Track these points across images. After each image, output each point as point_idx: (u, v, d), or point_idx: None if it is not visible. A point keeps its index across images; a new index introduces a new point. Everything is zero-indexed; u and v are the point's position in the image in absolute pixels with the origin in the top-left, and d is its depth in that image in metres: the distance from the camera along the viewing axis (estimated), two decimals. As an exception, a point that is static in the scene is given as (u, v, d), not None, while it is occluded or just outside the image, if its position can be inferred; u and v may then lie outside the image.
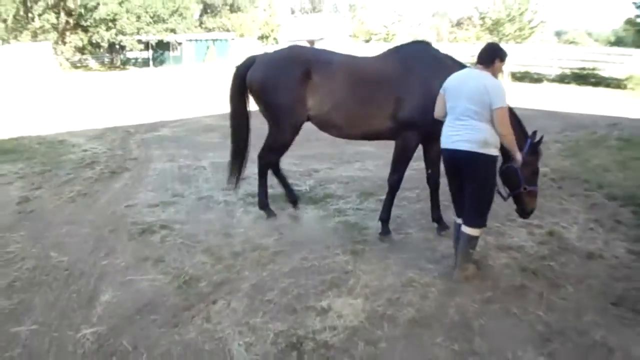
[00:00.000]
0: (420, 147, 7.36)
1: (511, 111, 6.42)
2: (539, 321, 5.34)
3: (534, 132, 6.64)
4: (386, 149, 12.90)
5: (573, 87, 31.23)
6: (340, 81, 7.15)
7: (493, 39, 48.09)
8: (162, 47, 63.00)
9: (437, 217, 7.65)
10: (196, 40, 64.85)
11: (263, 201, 8.09)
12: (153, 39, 59.89)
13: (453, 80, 6.05)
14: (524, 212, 6.72)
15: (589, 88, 30.94)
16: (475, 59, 6.07)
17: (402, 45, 7.69)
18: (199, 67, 54.54)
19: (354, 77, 7.19)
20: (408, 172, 10.10)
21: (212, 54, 62.03)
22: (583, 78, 33.22)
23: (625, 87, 30.73)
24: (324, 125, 7.43)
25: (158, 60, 63.55)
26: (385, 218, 7.40)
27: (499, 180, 6.33)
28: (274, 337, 4.94)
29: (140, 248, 6.93)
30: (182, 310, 5.41)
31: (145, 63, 61.93)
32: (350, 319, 5.24)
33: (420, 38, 62.16)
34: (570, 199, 9.18)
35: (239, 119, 7.97)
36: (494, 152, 5.84)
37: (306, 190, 9.06)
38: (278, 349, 4.78)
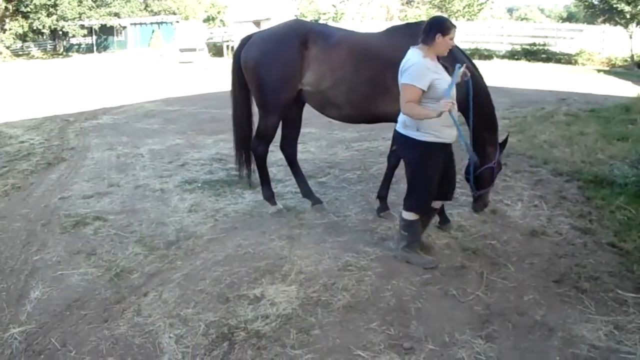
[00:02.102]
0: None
1: (493, 115, 6.70)
2: (478, 302, 5.32)
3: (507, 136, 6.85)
4: (328, 130, 13.01)
5: (523, 63, 31.67)
6: (343, 56, 6.80)
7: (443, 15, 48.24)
8: (105, 32, 61.81)
9: (383, 195, 7.51)
10: (141, 24, 63.78)
11: (266, 193, 7.72)
12: (96, 24, 58.74)
13: None
14: (484, 206, 6.95)
15: (540, 64, 31.41)
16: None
17: (409, 24, 7.52)
18: (144, 51, 53.82)
19: (358, 52, 6.86)
20: (349, 153, 10.15)
21: (158, 37, 61.15)
22: (533, 54, 33.73)
23: (575, 63, 31.31)
24: (322, 104, 7.08)
25: (102, 46, 62.46)
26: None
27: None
28: (205, 328, 4.85)
29: (72, 241, 6.78)
30: (113, 304, 5.29)
31: (89, 49, 60.81)
32: (283, 307, 5.17)
33: (370, 17, 62.22)
34: (515, 176, 9.25)
35: (240, 107, 7.54)
36: (415, 135, 5.61)
37: (245, 174, 8.99)
38: (209, 340, 4.70)
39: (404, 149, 5.86)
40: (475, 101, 6.18)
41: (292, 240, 6.68)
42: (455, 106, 5.60)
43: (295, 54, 6.84)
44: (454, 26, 5.63)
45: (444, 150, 5.72)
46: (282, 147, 7.80)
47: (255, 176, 7.68)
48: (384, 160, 7.59)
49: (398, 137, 5.82)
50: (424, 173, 5.76)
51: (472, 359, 4.46)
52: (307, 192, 7.84)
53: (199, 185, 8.86)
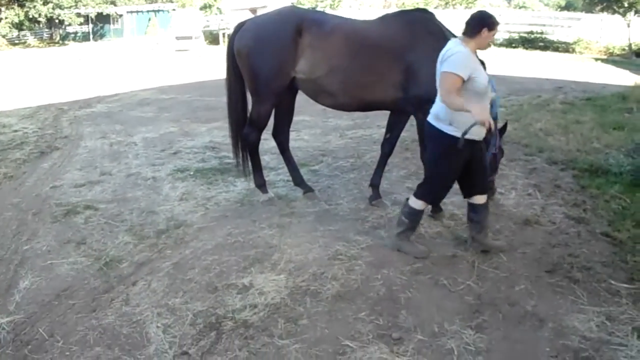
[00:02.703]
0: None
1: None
2: (469, 292, 5.30)
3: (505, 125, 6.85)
4: (322, 117, 12.96)
5: (521, 51, 31.60)
6: (338, 44, 6.74)
7: (440, 4, 48.20)
8: (102, 20, 61.33)
9: (375, 183, 7.46)
10: (137, 12, 63.42)
11: (258, 181, 7.66)
12: (92, 12, 58.37)
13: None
14: (492, 194, 6.95)
15: (537, 52, 31.35)
16: None
17: (404, 11, 7.49)
18: (141, 39, 53.58)
19: (353, 40, 6.80)
20: (343, 141, 10.10)
21: (154, 25, 60.83)
22: (531, 42, 33.74)
23: (573, 51, 31.34)
24: (316, 91, 7.03)
25: (98, 34, 62.08)
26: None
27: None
28: (193, 318, 4.82)
29: (63, 230, 6.73)
30: (102, 294, 5.26)
31: (85, 37, 60.42)
32: (272, 296, 5.14)
33: (368, 4, 61.99)
34: (509, 164, 9.18)
35: (235, 94, 7.43)
36: (446, 129, 5.52)
37: (240, 162, 8.95)
38: (196, 329, 4.67)
39: (432, 140, 5.77)
40: None
41: (283, 228, 6.64)
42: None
43: (288, 41, 6.76)
44: (499, 22, 5.66)
45: (472, 147, 5.59)
46: (275, 135, 7.75)
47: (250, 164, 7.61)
48: (378, 149, 7.55)
49: (428, 128, 5.73)
50: (446, 167, 5.71)
51: (461, 349, 4.43)
52: (298, 181, 7.78)
53: (191, 173, 8.81)
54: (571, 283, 5.45)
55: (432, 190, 5.92)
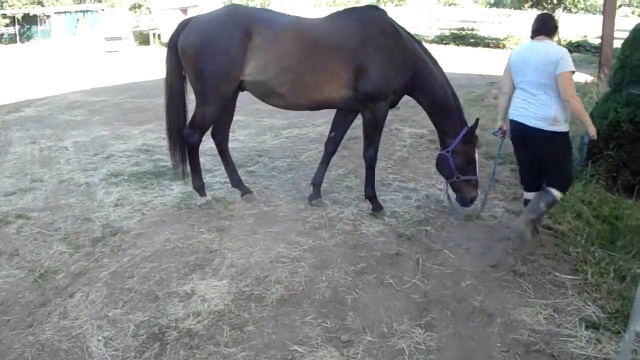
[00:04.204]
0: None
1: (454, 98, 6.91)
2: (415, 290, 5.28)
3: (477, 120, 6.89)
4: (256, 117, 12.84)
5: (452, 48, 31.91)
6: (287, 44, 6.59)
7: (371, 2, 48.38)
8: (29, 21, 59.93)
9: (318, 182, 7.40)
10: (65, 12, 62.08)
11: (196, 183, 7.40)
12: (19, 13, 57.00)
13: (518, 55, 6.03)
14: (463, 200, 6.80)
15: (468, 48, 31.73)
16: None
17: (354, 9, 7.33)
18: (69, 41, 52.49)
19: (303, 40, 6.66)
20: (279, 141, 9.99)
21: (83, 26, 59.67)
22: (462, 38, 34.11)
23: (504, 47, 31.81)
24: (266, 93, 6.83)
25: (25, 36, 60.65)
26: (371, 195, 7.11)
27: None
28: (135, 329, 4.65)
29: (-7, 241, 6.44)
30: (38, 307, 5.04)
31: (11, 39, 58.90)
32: (215, 303, 5.01)
33: (299, 2, 61.89)
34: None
35: (175, 96, 7.12)
36: (564, 127, 5.75)
37: (172, 164, 8.73)
38: (139, 341, 4.50)
39: (554, 144, 5.79)
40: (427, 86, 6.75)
41: (222, 232, 6.51)
42: None
43: (237, 44, 6.56)
44: None
45: None
46: (214, 135, 7.53)
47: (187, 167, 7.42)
48: (315, 147, 7.50)
49: (540, 134, 5.74)
50: (569, 157, 6.01)
51: (412, 349, 4.39)
52: (236, 182, 7.65)
53: (125, 178, 8.55)
54: (516, 277, 5.50)
55: (570, 181, 6.15)
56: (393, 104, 7.05)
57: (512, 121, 6.05)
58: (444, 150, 6.78)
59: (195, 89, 6.93)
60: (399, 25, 6.89)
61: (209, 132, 7.34)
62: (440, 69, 6.92)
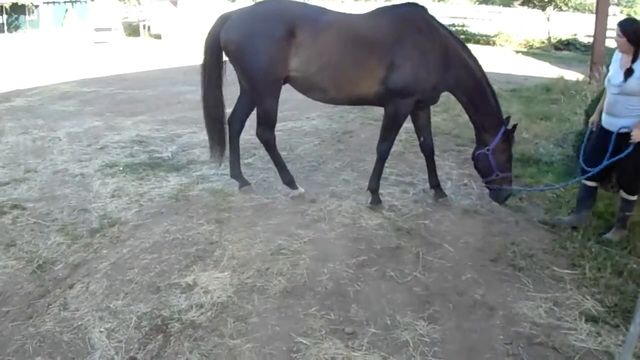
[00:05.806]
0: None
1: (493, 96, 6.84)
2: (416, 283, 5.31)
3: (508, 118, 6.81)
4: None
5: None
6: (330, 41, 6.64)
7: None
8: (17, 10, 59.40)
9: (435, 183, 7.41)
10: (54, 2, 61.60)
11: (285, 178, 7.46)
12: (7, 2, 56.53)
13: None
14: (498, 196, 6.84)
15: (459, 45, 31.74)
16: None
17: (394, 6, 7.31)
18: (58, 31, 52.13)
19: (344, 36, 6.71)
20: (276, 134, 9.93)
21: (72, 16, 59.29)
22: (451, 35, 34.07)
23: (494, 44, 31.88)
24: (308, 87, 6.94)
25: (13, 26, 60.15)
26: (374, 187, 7.11)
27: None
28: (137, 321, 4.63)
29: (-11, 232, 6.38)
30: (37, 299, 4.99)
31: (-1, 29, 58.65)
32: (217, 294, 5.00)
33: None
34: (442, 155, 9.25)
35: (214, 89, 7.17)
36: None
37: (168, 156, 8.65)
38: (142, 333, 4.49)
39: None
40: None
41: (222, 224, 6.50)
42: None
43: (281, 42, 6.58)
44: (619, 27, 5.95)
45: None
46: (230, 121, 7.48)
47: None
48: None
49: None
50: None
51: (416, 341, 4.42)
52: (236, 173, 7.62)
53: (121, 168, 8.48)
54: (516, 271, 5.55)
55: None
56: (433, 101, 7.14)
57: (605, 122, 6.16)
58: (483, 149, 6.77)
59: (247, 87, 7.08)
60: (439, 23, 6.94)
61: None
62: (480, 67, 6.99)
